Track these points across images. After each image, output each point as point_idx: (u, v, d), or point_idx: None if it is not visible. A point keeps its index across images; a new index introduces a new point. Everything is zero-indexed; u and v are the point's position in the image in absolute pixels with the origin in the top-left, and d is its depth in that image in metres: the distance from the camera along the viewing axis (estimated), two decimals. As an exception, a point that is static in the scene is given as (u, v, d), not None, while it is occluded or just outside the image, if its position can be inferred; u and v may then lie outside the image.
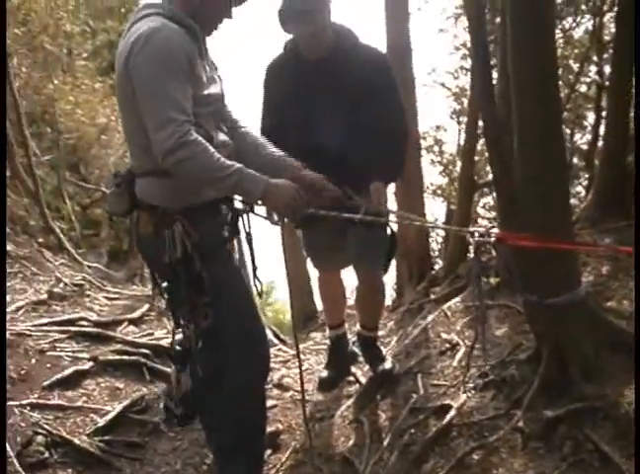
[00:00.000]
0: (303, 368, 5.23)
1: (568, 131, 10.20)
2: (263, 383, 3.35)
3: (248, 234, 3.20)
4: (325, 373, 4.80)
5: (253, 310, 3.22)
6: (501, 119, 3.64)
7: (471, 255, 7.02)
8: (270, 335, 6.29)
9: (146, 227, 3.02)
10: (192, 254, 2.91)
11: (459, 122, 10.68)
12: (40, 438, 3.90)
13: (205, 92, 2.91)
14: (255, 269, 3.27)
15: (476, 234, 3.03)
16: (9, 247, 7.19)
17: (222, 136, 3.04)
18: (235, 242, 3.22)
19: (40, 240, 8.01)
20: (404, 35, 6.46)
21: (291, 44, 4.01)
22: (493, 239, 3.03)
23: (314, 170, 3.68)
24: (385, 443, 3.82)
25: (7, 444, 3.71)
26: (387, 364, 4.61)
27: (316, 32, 3.79)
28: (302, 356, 5.61)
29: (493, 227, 3.19)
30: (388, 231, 4.13)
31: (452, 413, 3.77)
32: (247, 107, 4.61)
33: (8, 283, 6.44)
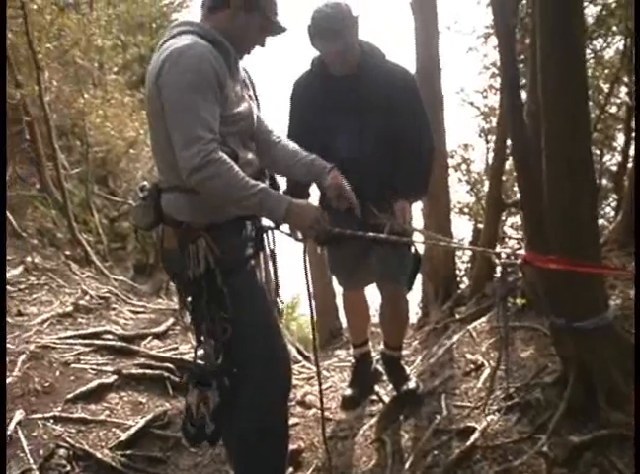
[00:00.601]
0: (327, 386, 5.27)
1: (597, 152, 10.13)
2: (285, 400, 3.32)
3: (272, 251, 3.20)
4: (349, 391, 4.79)
5: (275, 327, 3.20)
6: (529, 140, 3.61)
7: (498, 275, 6.99)
8: (293, 351, 6.28)
9: (170, 242, 3.03)
10: (214, 269, 2.91)
11: (487, 141, 10.64)
12: (62, 451, 3.92)
13: (234, 111, 2.93)
14: (277, 287, 3.27)
15: (502, 255, 3.02)
16: (36, 259, 7.25)
17: (249, 155, 3.05)
18: (261, 258, 3.22)
19: (68, 252, 8.08)
20: (433, 53, 6.46)
21: (318, 61, 4.03)
22: (519, 261, 3.01)
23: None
24: (407, 465, 3.79)
25: (30, 458, 3.74)
26: (411, 384, 4.57)
27: (344, 49, 3.81)
28: (326, 374, 5.63)
29: (520, 248, 3.16)
30: (412, 249, 4.14)
31: (476, 435, 3.73)
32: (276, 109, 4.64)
33: (34, 295, 6.50)
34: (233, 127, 2.94)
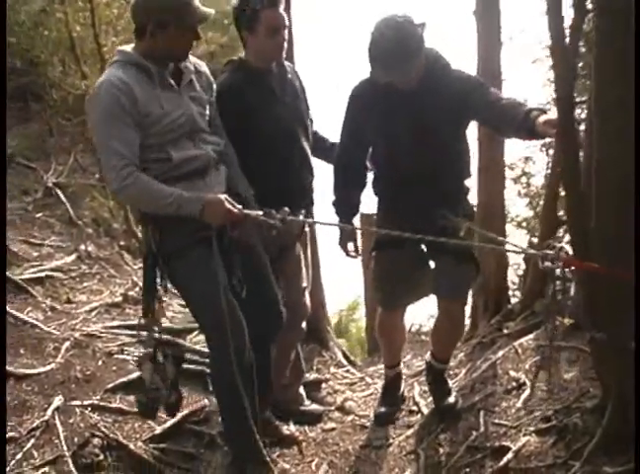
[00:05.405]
0: (369, 392, 5.25)
1: None
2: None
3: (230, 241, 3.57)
4: (382, 409, 4.75)
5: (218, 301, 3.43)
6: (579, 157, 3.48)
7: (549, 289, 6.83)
8: (339, 355, 6.23)
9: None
10: (156, 253, 3.41)
11: (548, 155, 10.42)
12: (96, 441, 3.94)
13: (168, 120, 3.32)
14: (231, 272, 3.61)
15: (548, 256, 3.04)
16: (90, 248, 7.34)
17: (193, 151, 3.42)
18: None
19: (122, 243, 8.11)
20: (495, 64, 6.32)
21: None
22: (560, 264, 3.01)
23: (404, 197, 3.88)
24: (439, 480, 3.75)
25: (64, 444, 3.78)
26: (451, 399, 4.52)
27: (411, 72, 3.68)
28: (370, 380, 5.60)
29: (562, 249, 3.12)
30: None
31: (510, 456, 3.66)
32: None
33: (85, 283, 6.59)
34: (173, 133, 3.35)
